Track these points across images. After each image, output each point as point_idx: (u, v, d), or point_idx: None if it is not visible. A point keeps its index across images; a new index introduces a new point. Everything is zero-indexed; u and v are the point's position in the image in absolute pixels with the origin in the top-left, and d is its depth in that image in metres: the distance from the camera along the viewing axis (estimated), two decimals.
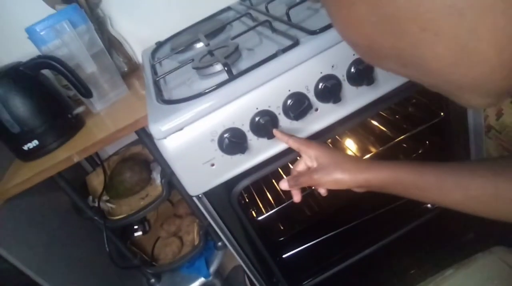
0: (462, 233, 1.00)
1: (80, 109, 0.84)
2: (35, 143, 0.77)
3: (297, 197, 0.63)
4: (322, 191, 0.62)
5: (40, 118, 0.77)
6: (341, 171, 0.55)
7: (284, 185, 0.61)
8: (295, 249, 0.96)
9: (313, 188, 0.63)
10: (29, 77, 0.76)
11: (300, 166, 0.61)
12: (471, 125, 0.82)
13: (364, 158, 0.94)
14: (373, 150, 0.97)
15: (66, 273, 0.91)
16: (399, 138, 0.89)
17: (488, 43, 0.23)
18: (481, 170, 0.47)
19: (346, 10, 0.27)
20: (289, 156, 0.68)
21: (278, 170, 1.05)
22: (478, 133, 0.83)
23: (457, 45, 0.23)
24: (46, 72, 0.84)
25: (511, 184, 0.43)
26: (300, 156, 0.61)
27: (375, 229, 0.99)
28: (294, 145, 0.59)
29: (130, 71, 1.09)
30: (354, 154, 1.04)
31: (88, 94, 0.80)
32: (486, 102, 0.29)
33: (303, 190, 0.64)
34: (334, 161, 0.56)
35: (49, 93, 0.81)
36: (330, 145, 1.06)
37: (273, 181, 1.00)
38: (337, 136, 1.09)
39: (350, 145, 1.08)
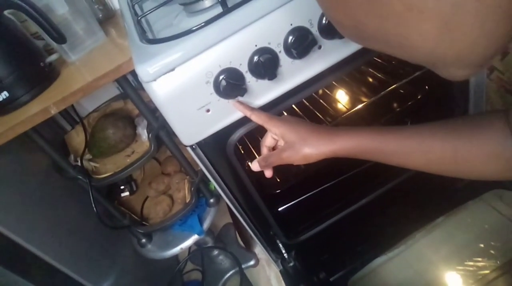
0: (454, 182, 1.00)
1: (53, 57, 0.76)
2: (4, 94, 0.69)
3: (268, 173, 0.63)
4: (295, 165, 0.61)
5: (8, 66, 0.68)
6: (307, 147, 0.55)
7: (255, 166, 0.62)
8: (290, 202, 0.94)
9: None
10: None
11: (268, 141, 0.60)
12: None
13: (359, 106, 0.90)
14: (369, 98, 0.94)
15: (51, 235, 0.87)
16: (398, 84, 0.85)
17: (471, 15, 0.23)
18: (441, 132, 0.48)
19: None
20: (289, 100, 0.63)
21: None
22: (480, 76, 0.80)
23: (441, 20, 0.24)
24: (11, 17, 0.74)
25: (468, 145, 0.45)
26: None
27: (368, 181, 0.98)
28: (258, 121, 0.58)
29: (105, 18, 0.99)
30: (346, 105, 1.01)
31: (61, 39, 0.72)
32: (468, 73, 0.30)
33: None
34: (299, 137, 0.56)
35: (17, 39, 0.72)
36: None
37: None
38: (334, 82, 1.04)
39: (344, 93, 1.04)
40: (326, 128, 0.58)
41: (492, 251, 0.86)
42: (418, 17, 0.24)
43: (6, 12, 0.71)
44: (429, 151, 0.49)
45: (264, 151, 0.62)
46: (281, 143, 0.60)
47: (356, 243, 0.97)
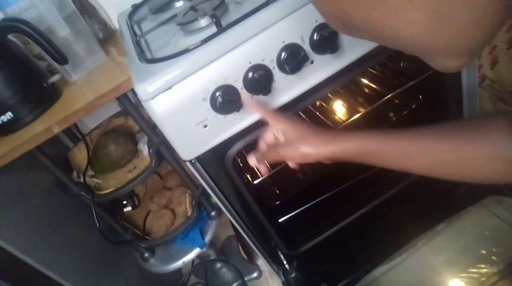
0: (453, 188, 1.01)
1: (55, 78, 0.78)
2: (9, 115, 0.71)
3: (263, 169, 0.64)
4: (291, 164, 0.61)
5: (13, 88, 0.71)
6: (306, 145, 0.54)
7: (252, 160, 0.61)
8: (290, 213, 0.95)
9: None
10: None
11: (269, 136, 0.60)
12: (465, 76, 0.80)
13: (355, 117, 0.92)
14: (364, 109, 0.96)
15: (55, 250, 0.88)
16: (392, 94, 0.87)
17: (462, 2, 0.23)
18: (441, 133, 0.48)
19: None
20: (285, 114, 0.65)
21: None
22: (471, 84, 0.81)
23: (431, 8, 0.23)
24: (15, 40, 0.77)
25: (470, 147, 0.44)
26: None
27: (368, 190, 0.99)
28: (262, 116, 0.58)
29: (105, 38, 1.02)
30: (342, 116, 1.02)
31: (63, 60, 0.74)
32: (459, 63, 0.30)
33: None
34: (300, 135, 0.55)
35: (20, 61, 0.74)
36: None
37: None
38: (329, 95, 1.06)
39: (340, 104, 1.06)
40: (328, 129, 0.57)
41: (493, 257, 0.86)
42: (407, 5, 0.24)
43: (10, 35, 0.74)
44: (429, 152, 0.48)
45: (262, 146, 0.61)
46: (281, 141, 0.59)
47: (357, 253, 0.97)
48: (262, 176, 0.84)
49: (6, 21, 0.69)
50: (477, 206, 0.96)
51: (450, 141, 0.46)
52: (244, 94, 0.58)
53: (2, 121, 0.71)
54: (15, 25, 0.67)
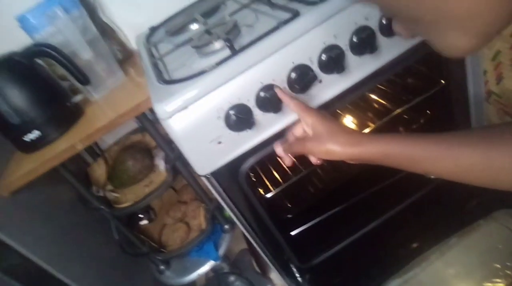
0: (465, 201, 1.01)
1: (78, 98, 0.83)
2: (36, 133, 0.76)
3: (288, 161, 0.64)
4: (313, 160, 0.62)
5: (39, 108, 0.76)
6: (333, 143, 0.55)
7: (278, 149, 0.64)
8: (302, 226, 0.97)
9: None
10: (24, 66, 0.75)
11: (298, 130, 0.62)
12: (471, 91, 0.82)
13: (364, 131, 0.94)
14: (373, 124, 0.98)
15: (75, 262, 0.92)
16: (400, 110, 0.89)
17: None
18: (471, 139, 0.47)
19: None
20: None
21: None
22: (478, 100, 0.83)
23: None
24: (41, 62, 0.83)
25: (500, 152, 0.44)
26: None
27: (379, 203, 1.00)
28: (295, 109, 0.59)
29: (124, 59, 1.07)
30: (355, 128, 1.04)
31: (85, 81, 0.79)
32: (469, 44, 0.29)
33: (306, 166, 0.64)
34: (329, 131, 0.56)
35: (47, 82, 0.80)
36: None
37: (278, 159, 1.00)
38: (337, 111, 1.09)
39: (350, 120, 1.08)
40: (356, 131, 0.58)
41: (507, 271, 0.86)
42: None
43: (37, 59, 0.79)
44: (459, 157, 0.47)
45: (290, 137, 0.63)
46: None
47: (369, 265, 0.98)
48: (286, 165, 0.86)
49: (35, 46, 0.74)
50: (489, 219, 0.96)
51: (479, 146, 0.45)
52: (278, 88, 0.60)
53: (30, 139, 0.76)
54: (44, 50, 0.73)
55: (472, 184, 0.48)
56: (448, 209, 0.99)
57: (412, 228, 1.01)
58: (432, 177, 0.99)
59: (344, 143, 0.55)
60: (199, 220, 1.08)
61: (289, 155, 0.65)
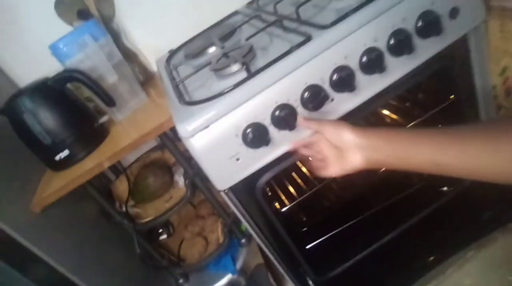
0: (479, 213, 1.01)
1: (105, 119, 0.89)
2: (66, 152, 0.81)
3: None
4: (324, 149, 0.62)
5: (69, 129, 0.81)
6: (347, 127, 0.57)
7: (300, 120, 0.65)
8: (317, 239, 0.99)
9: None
10: (56, 91, 0.81)
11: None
12: (481, 105, 0.84)
13: None
14: None
15: (99, 274, 0.95)
16: (412, 124, 0.91)
17: None
18: (477, 128, 0.48)
19: None
20: None
21: (296, 164, 1.09)
22: (488, 114, 0.85)
23: None
24: (69, 85, 0.89)
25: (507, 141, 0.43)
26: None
27: (394, 216, 1.01)
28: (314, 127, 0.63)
29: (145, 81, 1.13)
30: None
31: (111, 103, 0.85)
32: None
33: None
34: (341, 123, 0.59)
35: (76, 105, 0.86)
36: None
37: (293, 174, 1.04)
38: None
39: None
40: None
41: None
42: None
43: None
44: (466, 144, 0.46)
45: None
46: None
47: (385, 279, 0.98)
48: (288, 204, 0.89)
49: (67, 72, 0.80)
50: (505, 231, 0.96)
51: (486, 135, 0.45)
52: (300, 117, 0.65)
53: (60, 158, 0.82)
54: (74, 75, 0.79)
55: (476, 176, 0.47)
56: (462, 221, 0.99)
57: (427, 240, 1.02)
58: (445, 189, 1.00)
59: (355, 129, 0.57)
60: (217, 234, 1.12)
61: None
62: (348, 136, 0.57)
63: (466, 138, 0.47)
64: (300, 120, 0.65)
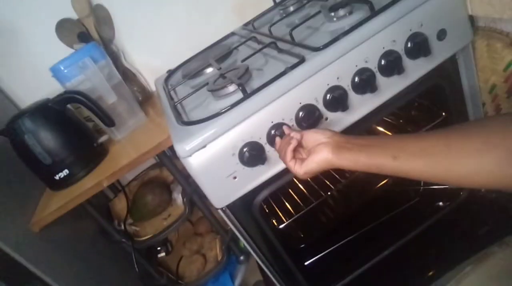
0: (476, 227, 1.02)
1: (104, 138, 0.90)
2: (65, 172, 0.82)
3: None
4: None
5: (69, 149, 0.83)
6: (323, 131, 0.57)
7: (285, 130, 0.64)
8: (315, 256, 0.99)
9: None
10: (57, 112, 0.82)
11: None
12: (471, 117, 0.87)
13: None
14: None
15: None
16: None
17: None
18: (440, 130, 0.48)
19: None
20: None
21: (293, 180, 1.10)
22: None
23: None
24: (69, 106, 0.90)
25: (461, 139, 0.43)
26: None
27: (390, 231, 1.02)
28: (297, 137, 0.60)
29: (144, 100, 1.15)
30: None
31: (110, 123, 0.86)
32: None
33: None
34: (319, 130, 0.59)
35: (76, 125, 0.87)
36: None
37: (290, 190, 1.05)
38: None
39: None
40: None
41: None
42: None
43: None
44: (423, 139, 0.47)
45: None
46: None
47: None
48: (286, 221, 0.90)
49: (67, 93, 0.82)
50: (502, 245, 0.97)
51: (442, 132, 0.46)
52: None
53: (60, 177, 0.83)
54: (75, 97, 0.81)
55: (434, 176, 0.46)
56: (459, 235, 1.00)
57: (425, 255, 1.02)
58: (441, 204, 1.00)
59: (331, 132, 0.56)
60: (215, 251, 1.12)
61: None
62: (324, 132, 0.57)
63: (427, 136, 0.48)
64: (284, 128, 0.64)
